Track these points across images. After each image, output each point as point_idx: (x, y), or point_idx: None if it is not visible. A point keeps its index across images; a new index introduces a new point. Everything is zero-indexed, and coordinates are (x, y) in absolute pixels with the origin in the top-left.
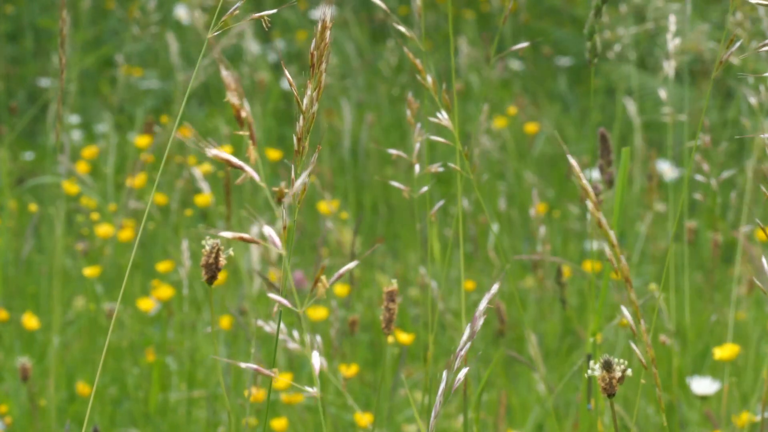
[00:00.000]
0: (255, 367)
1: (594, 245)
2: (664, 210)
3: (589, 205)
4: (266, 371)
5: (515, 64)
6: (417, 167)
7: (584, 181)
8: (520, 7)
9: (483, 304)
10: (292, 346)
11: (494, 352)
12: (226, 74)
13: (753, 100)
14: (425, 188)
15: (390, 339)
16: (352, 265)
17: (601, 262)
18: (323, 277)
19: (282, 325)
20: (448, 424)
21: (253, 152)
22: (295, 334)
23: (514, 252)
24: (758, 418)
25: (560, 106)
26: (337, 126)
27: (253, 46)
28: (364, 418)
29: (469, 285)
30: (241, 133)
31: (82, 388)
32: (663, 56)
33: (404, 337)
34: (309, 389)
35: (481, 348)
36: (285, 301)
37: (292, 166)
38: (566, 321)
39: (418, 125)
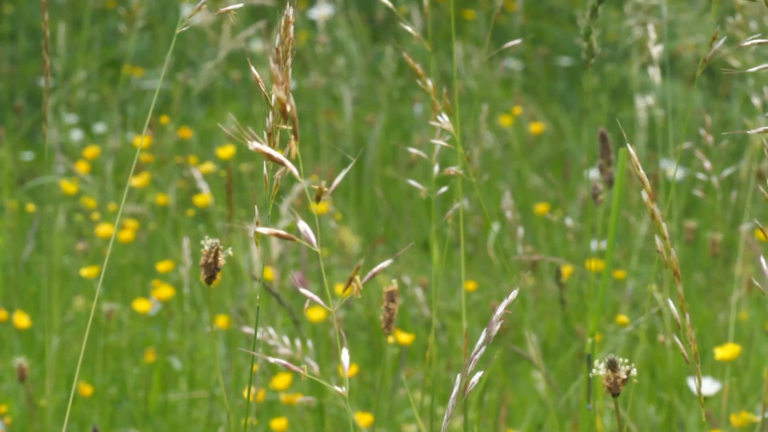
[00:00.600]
0: (284, 363)
1: (594, 245)
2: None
3: (644, 195)
4: (295, 368)
5: (514, 64)
6: (436, 168)
7: (641, 172)
8: (519, 7)
9: (500, 310)
10: (284, 351)
11: (494, 352)
12: (274, 67)
13: (756, 101)
14: (444, 188)
15: (390, 339)
16: (386, 263)
17: (601, 261)
18: (357, 278)
19: (272, 330)
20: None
21: (294, 147)
22: (292, 337)
23: (515, 252)
24: (758, 419)
25: (560, 105)
26: (337, 126)
27: (255, 46)
28: (363, 418)
29: (470, 285)
30: (285, 127)
31: (81, 388)
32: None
33: (404, 338)
34: (338, 388)
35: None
36: (317, 299)
37: (264, 164)
38: (566, 321)
39: (439, 128)
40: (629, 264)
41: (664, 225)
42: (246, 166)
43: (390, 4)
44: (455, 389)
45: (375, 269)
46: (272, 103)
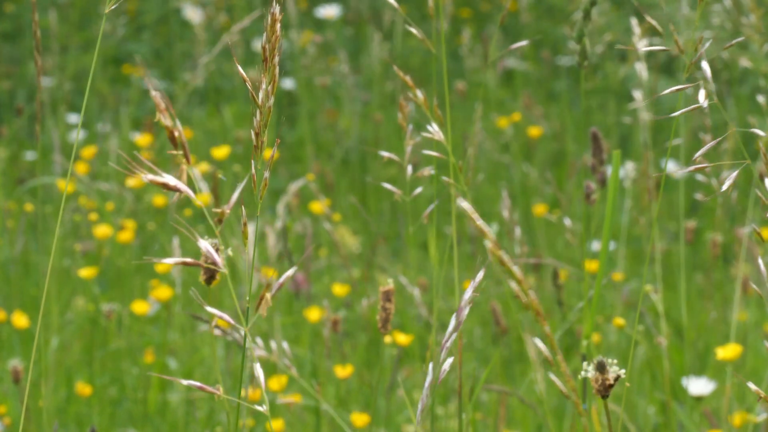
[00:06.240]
0: (198, 384)
1: (593, 246)
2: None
3: (487, 244)
4: (210, 389)
5: (514, 63)
6: (409, 169)
7: (480, 222)
8: (523, 7)
9: (468, 294)
10: (259, 353)
11: (494, 353)
12: (155, 95)
13: (761, 99)
14: (419, 189)
15: (387, 339)
16: (290, 272)
17: (596, 261)
18: (268, 295)
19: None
20: (448, 425)
21: (185, 172)
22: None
23: (513, 253)
24: (758, 419)
25: (561, 105)
26: (339, 126)
27: (259, 45)
28: (360, 418)
29: (468, 285)
30: (174, 152)
31: (80, 388)
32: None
33: (402, 338)
34: (259, 407)
35: (480, 348)
36: (229, 318)
37: (252, 162)
38: (565, 322)
39: (410, 128)
40: (632, 265)
41: (515, 268)
42: (239, 166)
43: (395, 4)
44: (428, 379)
45: (281, 279)
46: (259, 102)
